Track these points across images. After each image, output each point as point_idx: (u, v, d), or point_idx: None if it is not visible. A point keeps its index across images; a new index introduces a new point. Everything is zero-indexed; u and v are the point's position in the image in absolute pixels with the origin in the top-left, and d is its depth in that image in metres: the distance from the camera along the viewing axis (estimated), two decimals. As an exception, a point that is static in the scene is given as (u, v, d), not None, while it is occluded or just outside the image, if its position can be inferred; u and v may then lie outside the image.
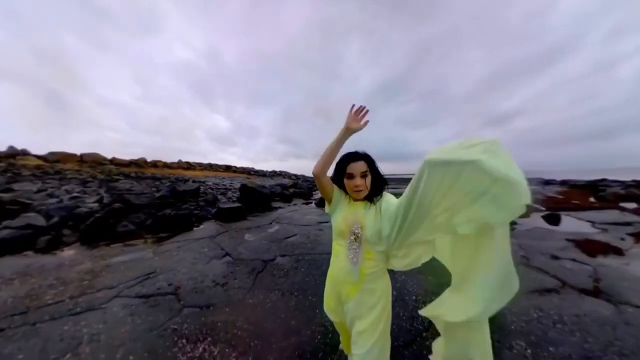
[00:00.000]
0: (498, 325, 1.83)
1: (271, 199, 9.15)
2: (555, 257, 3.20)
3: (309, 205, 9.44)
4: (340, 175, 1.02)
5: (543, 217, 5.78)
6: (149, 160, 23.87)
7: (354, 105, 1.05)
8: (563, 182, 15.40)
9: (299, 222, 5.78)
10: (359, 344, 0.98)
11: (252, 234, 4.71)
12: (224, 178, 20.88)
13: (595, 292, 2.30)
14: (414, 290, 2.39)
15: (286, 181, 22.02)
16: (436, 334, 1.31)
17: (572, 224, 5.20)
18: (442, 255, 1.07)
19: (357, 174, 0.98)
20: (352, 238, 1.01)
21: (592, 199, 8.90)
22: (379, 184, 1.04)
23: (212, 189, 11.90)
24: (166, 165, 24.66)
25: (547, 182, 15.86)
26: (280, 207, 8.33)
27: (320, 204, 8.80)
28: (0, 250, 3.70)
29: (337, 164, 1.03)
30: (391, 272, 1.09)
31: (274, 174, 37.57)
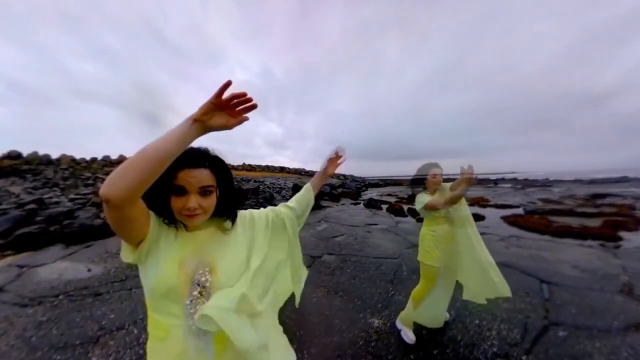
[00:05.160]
0: (580, 361, 1.53)
1: (320, 197, 9.46)
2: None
3: (357, 205, 9.38)
4: (162, 189, 0.59)
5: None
6: (220, 163, 28.07)
7: None
8: None
9: (346, 222, 5.84)
10: None
11: (302, 230, 4.98)
12: (279, 178, 22.47)
13: None
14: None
15: (334, 181, 22.27)
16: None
17: None
18: None
19: (194, 190, 0.60)
20: (196, 293, 0.61)
21: None
22: (230, 205, 0.71)
23: (269, 187, 13.01)
24: (233, 168, 28.24)
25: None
26: (328, 207, 8.53)
27: (369, 205, 8.66)
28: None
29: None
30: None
31: (323, 174, 38.44)
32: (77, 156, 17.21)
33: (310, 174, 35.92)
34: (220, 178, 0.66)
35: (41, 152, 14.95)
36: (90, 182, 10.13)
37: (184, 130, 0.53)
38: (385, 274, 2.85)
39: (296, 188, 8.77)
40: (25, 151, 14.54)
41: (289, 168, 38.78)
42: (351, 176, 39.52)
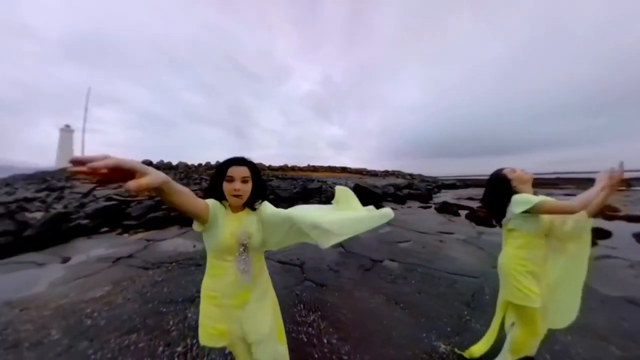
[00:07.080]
0: None
1: (382, 198, 9.10)
2: None
3: (428, 209, 8.54)
4: (219, 180, 0.98)
5: None
6: (289, 165, 32.33)
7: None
8: None
9: (413, 227, 5.41)
10: (262, 333, 1.04)
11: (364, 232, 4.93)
12: (340, 178, 22.72)
13: None
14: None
15: (400, 181, 20.90)
16: None
17: None
18: None
19: (238, 178, 0.96)
20: (241, 250, 1.00)
21: None
22: (260, 192, 1.06)
23: (331, 187, 13.36)
24: (300, 169, 31.26)
25: None
26: (393, 209, 8.11)
27: (443, 209, 7.76)
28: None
29: (218, 168, 1.00)
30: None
31: (386, 173, 36.38)
32: (189, 162, 22.70)
33: (372, 173, 34.87)
34: (254, 173, 1.01)
35: (165, 160, 20.59)
36: (197, 181, 12.77)
37: None
38: (461, 294, 2.44)
39: (357, 187, 8.71)
40: (155, 159, 20.49)
41: (350, 168, 38.73)
42: (420, 175, 36.27)
